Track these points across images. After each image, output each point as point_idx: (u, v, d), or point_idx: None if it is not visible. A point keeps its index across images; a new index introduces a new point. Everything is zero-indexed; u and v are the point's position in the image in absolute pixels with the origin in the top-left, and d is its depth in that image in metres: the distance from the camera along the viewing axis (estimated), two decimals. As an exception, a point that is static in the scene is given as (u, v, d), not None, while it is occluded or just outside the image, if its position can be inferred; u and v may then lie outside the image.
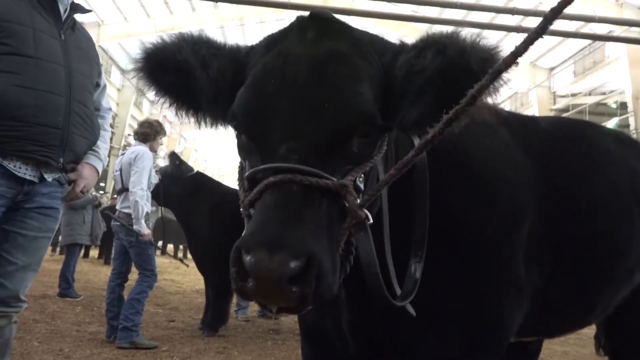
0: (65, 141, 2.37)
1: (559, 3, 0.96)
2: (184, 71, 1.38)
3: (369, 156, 1.28)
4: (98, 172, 2.70)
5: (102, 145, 2.71)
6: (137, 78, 1.43)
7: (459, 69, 1.20)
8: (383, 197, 1.41)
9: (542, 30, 0.96)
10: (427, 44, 1.27)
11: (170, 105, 1.48)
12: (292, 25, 1.41)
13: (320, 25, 1.35)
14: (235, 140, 1.37)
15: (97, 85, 2.72)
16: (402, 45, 1.37)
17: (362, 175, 1.25)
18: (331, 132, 1.19)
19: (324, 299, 1.08)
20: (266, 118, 1.22)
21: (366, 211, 1.19)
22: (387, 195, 1.43)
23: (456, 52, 1.21)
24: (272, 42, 1.37)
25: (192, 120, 1.50)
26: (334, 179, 1.16)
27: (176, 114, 1.49)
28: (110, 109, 2.92)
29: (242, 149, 1.34)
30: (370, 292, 1.31)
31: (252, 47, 1.45)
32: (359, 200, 1.19)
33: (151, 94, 1.48)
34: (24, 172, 2.30)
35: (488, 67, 1.11)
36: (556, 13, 0.95)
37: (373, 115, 1.24)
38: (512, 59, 1.01)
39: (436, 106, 1.21)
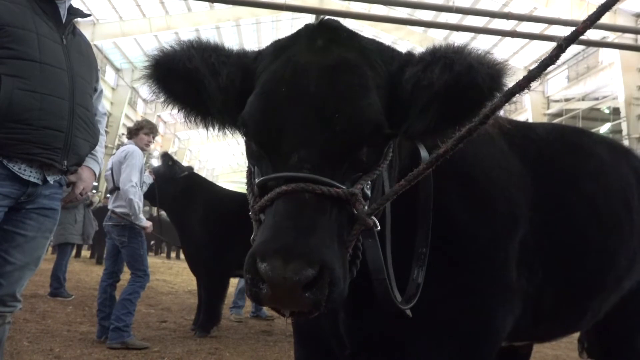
0: (69, 144, 2.40)
1: (571, 32, 1.02)
2: (193, 78, 1.38)
3: (376, 164, 1.29)
4: (95, 174, 2.75)
5: (99, 149, 2.75)
6: (147, 85, 1.43)
7: (465, 84, 1.22)
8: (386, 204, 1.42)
9: (556, 57, 1.01)
10: (435, 58, 1.28)
11: (179, 112, 1.48)
12: (300, 32, 1.42)
13: (329, 34, 1.36)
14: (245, 146, 1.38)
15: (95, 90, 2.75)
16: (409, 55, 1.39)
17: (369, 182, 1.27)
18: (342, 141, 1.21)
19: (335, 304, 1.10)
20: (277, 126, 1.22)
21: (374, 218, 1.22)
22: (389, 202, 1.44)
23: (463, 67, 1.23)
24: (280, 49, 1.38)
25: (201, 126, 1.50)
26: (344, 187, 1.18)
27: (185, 119, 1.50)
28: (105, 114, 2.96)
29: (252, 155, 1.34)
30: (377, 296, 1.36)
31: (260, 52, 1.46)
32: (367, 208, 1.21)
33: (150, 96, 1.48)
34: (29, 174, 2.32)
35: (494, 82, 1.19)
36: (569, 42, 1.01)
37: (382, 125, 1.26)
38: (526, 82, 1.06)
39: (442, 118, 1.25)
